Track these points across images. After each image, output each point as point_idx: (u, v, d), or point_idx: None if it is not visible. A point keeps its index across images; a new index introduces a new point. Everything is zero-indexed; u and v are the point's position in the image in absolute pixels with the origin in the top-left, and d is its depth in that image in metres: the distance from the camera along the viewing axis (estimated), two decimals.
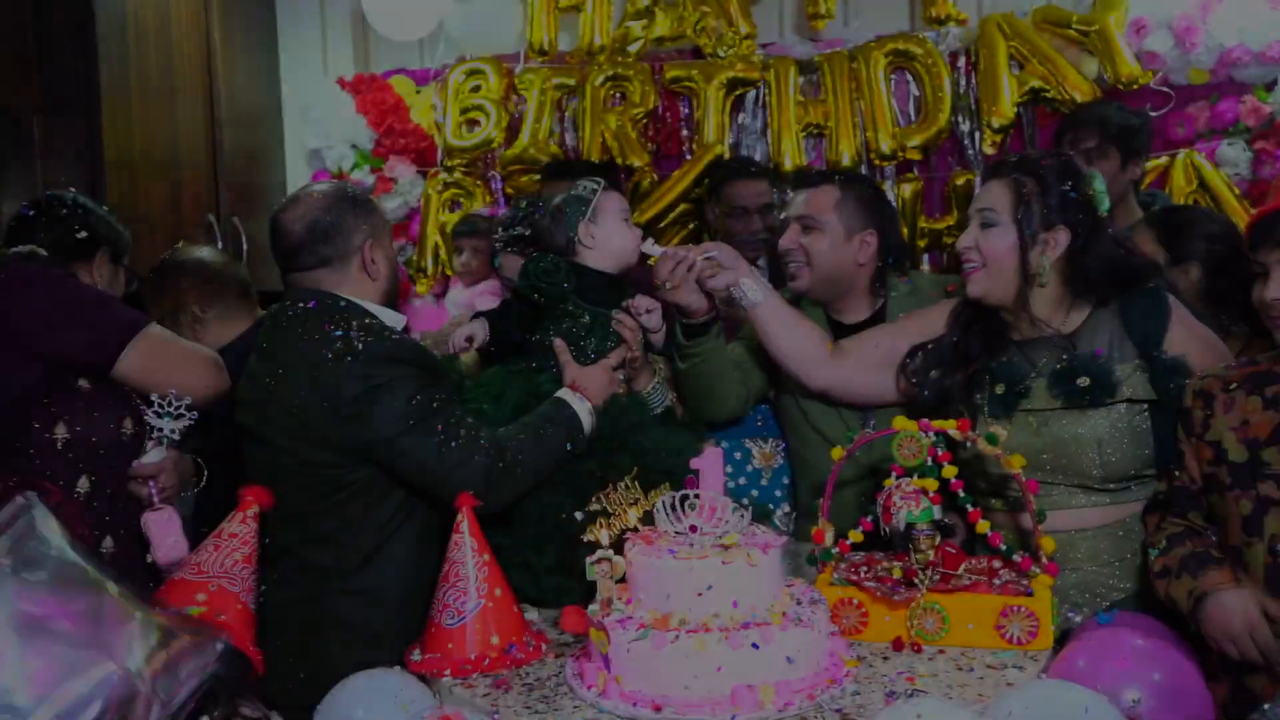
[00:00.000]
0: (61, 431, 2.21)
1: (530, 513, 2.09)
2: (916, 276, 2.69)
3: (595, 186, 2.36)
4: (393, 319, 2.15)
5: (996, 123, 3.70)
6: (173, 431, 2.21)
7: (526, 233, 2.64)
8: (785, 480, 2.69)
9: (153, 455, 2.24)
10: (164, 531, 2.18)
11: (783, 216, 2.66)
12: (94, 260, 2.42)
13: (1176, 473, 2.01)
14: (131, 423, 2.28)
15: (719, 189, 3.46)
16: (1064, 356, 2.11)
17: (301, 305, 2.09)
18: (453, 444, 1.98)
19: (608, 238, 2.33)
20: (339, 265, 2.10)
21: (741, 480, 2.65)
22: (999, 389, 2.15)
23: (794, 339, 2.40)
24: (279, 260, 2.16)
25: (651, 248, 2.34)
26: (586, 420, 2.15)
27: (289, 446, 2.04)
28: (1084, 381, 2.06)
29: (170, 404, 2.21)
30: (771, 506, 2.62)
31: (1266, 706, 1.61)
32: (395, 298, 2.24)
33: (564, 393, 2.17)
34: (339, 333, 2.01)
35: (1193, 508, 2.00)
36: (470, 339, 2.35)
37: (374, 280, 2.14)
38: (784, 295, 2.50)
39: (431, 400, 2.01)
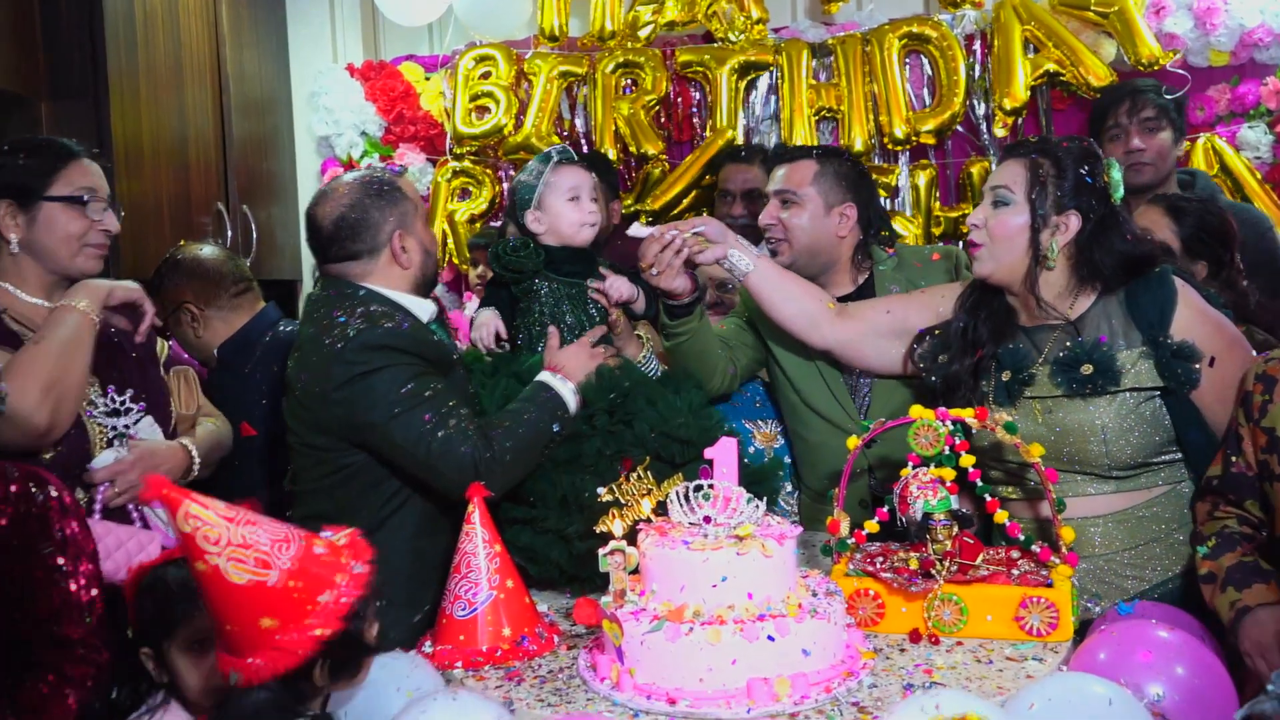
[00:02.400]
0: None
1: (551, 497, 2.10)
2: (902, 248, 2.70)
3: (541, 169, 2.35)
4: (420, 308, 2.16)
5: (1009, 105, 3.66)
6: (127, 427, 2.13)
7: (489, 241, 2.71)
8: (787, 460, 2.68)
9: (103, 458, 2.08)
10: None
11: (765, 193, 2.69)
12: None
13: (1234, 458, 1.96)
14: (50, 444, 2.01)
15: (717, 171, 3.60)
16: (1067, 344, 2.08)
17: (327, 293, 2.14)
18: (439, 434, 1.99)
19: (554, 222, 2.34)
20: (368, 258, 2.13)
21: (744, 461, 2.65)
22: (1004, 376, 2.12)
23: (792, 301, 2.40)
24: (314, 253, 2.19)
25: (638, 230, 2.34)
26: (570, 400, 2.15)
27: (296, 428, 2.10)
28: (1086, 369, 2.04)
29: (113, 400, 2.13)
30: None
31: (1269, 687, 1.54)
32: (430, 283, 2.25)
33: (544, 375, 2.18)
34: (342, 319, 2.04)
35: (1249, 495, 1.94)
36: (484, 334, 2.36)
37: (405, 269, 2.16)
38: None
39: (424, 390, 2.03)
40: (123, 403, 2.14)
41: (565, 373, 2.18)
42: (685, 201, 3.96)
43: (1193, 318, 2.07)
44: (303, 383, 2.06)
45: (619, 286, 2.35)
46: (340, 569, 1.46)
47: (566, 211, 2.33)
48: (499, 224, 4.15)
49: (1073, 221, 2.09)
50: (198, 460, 2.27)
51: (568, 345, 2.26)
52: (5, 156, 2.13)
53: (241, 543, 1.40)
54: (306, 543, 1.46)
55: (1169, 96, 3.15)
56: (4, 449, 1.91)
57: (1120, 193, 2.12)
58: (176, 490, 1.40)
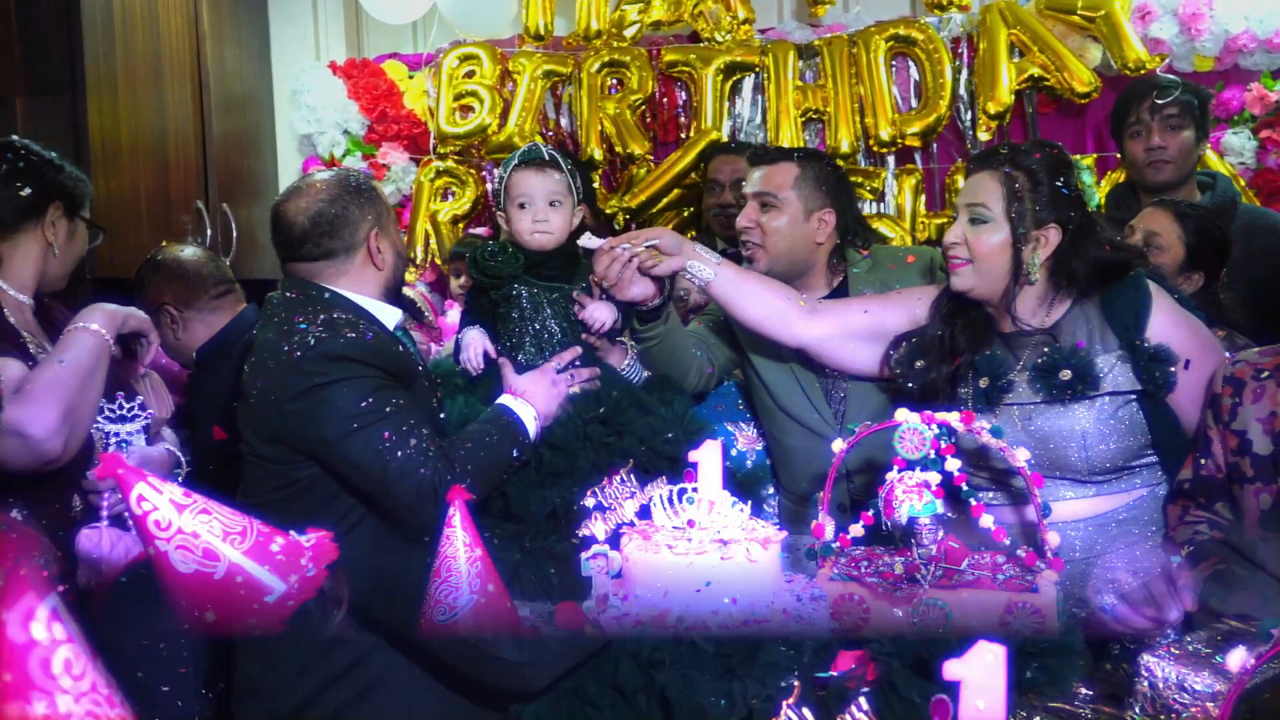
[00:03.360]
0: None
1: (540, 512, 2.05)
2: (876, 249, 2.68)
3: (502, 175, 2.32)
4: (387, 315, 2.10)
5: (992, 109, 3.67)
6: (130, 435, 2.11)
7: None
8: (769, 463, 2.66)
9: None
10: (86, 554, 2.03)
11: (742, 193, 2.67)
12: (45, 218, 2.16)
13: (1203, 460, 1.96)
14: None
15: (707, 164, 3.61)
16: (1045, 349, 2.08)
17: (288, 295, 2.05)
18: (398, 454, 1.90)
19: (510, 225, 2.30)
20: (343, 258, 2.06)
21: (725, 464, 2.63)
22: (983, 383, 2.11)
23: (758, 303, 2.35)
24: (280, 251, 2.10)
25: (589, 241, 2.29)
26: (532, 426, 2.09)
27: (248, 437, 2.01)
28: (1065, 375, 2.03)
29: (120, 407, 2.11)
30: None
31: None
32: (398, 289, 2.19)
33: (506, 399, 2.11)
34: (303, 326, 1.95)
35: (1220, 498, 1.95)
36: (471, 355, 2.30)
37: (379, 270, 2.09)
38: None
39: (385, 405, 1.93)
40: (130, 409, 2.13)
41: (527, 398, 2.11)
42: (666, 200, 3.95)
43: (1167, 321, 2.07)
44: (257, 390, 1.97)
45: (599, 316, 2.27)
46: (295, 569, 1.40)
47: (516, 218, 2.28)
48: (484, 232, 4.14)
49: (1052, 235, 2.08)
50: (185, 467, 2.30)
51: (529, 372, 2.17)
52: (56, 165, 2.21)
53: (191, 531, 1.35)
54: (265, 539, 1.40)
55: (1192, 94, 3.08)
56: (5, 466, 1.89)
57: (1096, 199, 2.12)
58: (131, 471, 1.35)
